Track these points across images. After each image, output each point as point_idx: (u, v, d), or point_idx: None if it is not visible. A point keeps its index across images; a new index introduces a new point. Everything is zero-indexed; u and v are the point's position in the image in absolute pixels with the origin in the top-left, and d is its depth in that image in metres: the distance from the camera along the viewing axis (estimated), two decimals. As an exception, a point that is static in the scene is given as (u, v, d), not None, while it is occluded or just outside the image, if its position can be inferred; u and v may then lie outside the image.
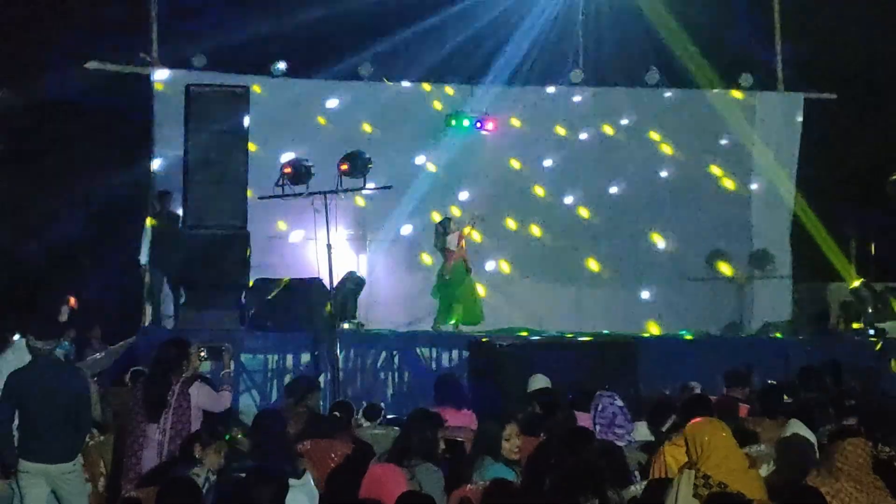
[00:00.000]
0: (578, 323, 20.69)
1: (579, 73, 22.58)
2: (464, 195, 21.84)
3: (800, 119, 22.93)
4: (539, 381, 12.29)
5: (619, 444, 10.28)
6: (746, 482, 7.89)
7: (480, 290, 19.80)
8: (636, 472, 9.82)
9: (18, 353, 10.93)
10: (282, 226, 20.49)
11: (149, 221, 18.47)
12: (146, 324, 18.66)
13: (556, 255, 22.13)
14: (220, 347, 11.16)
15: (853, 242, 23.66)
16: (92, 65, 20.40)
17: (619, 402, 11.03)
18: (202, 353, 10.72)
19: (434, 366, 16.84)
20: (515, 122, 22.30)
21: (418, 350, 16.96)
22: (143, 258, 18.46)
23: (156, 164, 20.40)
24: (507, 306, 21.27)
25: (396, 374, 16.80)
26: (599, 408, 10.97)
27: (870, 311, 20.73)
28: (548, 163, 22.43)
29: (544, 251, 22.09)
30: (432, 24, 21.38)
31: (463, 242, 19.22)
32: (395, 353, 16.87)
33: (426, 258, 20.92)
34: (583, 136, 22.59)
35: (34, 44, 21.76)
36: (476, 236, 20.10)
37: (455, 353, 16.86)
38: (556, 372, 12.95)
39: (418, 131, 21.87)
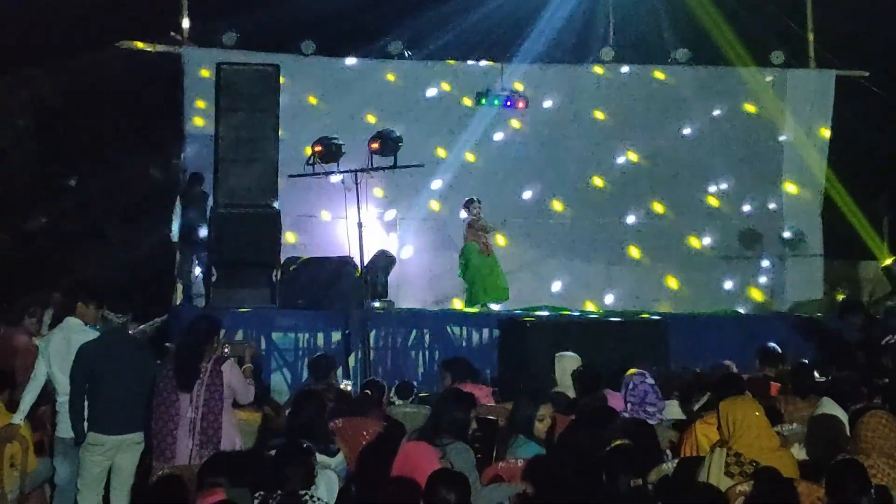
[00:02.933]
0: (608, 302, 20.67)
1: (610, 50, 22.49)
2: (494, 173, 21.79)
3: (831, 96, 22.77)
4: (570, 360, 12.28)
5: (651, 422, 10.30)
6: (778, 461, 7.90)
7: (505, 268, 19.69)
8: (668, 451, 9.84)
9: (64, 329, 11.01)
10: (313, 205, 20.44)
11: (178, 201, 18.54)
12: (178, 303, 18.74)
13: (586, 233, 22.06)
14: (242, 344, 11.34)
15: (885, 220, 23.52)
16: (123, 44, 20.44)
17: (651, 381, 11.03)
18: (226, 350, 10.78)
19: (464, 344, 16.84)
20: (546, 101, 22.22)
21: (449, 328, 16.94)
22: (175, 235, 18.54)
23: (187, 143, 20.39)
24: (536, 285, 21.25)
25: (427, 353, 16.77)
26: (630, 386, 10.98)
27: (903, 288, 20.65)
28: (578, 141, 22.35)
29: (573, 229, 22.02)
30: (463, 2, 21.34)
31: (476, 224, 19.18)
32: (425, 331, 16.84)
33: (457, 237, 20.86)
34: (612, 113, 22.50)
35: (65, 24, 21.83)
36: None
37: (486, 331, 16.85)
38: (587, 350, 12.96)
39: (449, 109, 21.82)
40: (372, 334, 16.14)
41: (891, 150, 22.96)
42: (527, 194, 21.84)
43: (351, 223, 16.63)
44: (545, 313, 18.22)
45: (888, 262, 21.18)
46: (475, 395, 10.67)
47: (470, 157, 21.60)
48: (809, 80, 22.92)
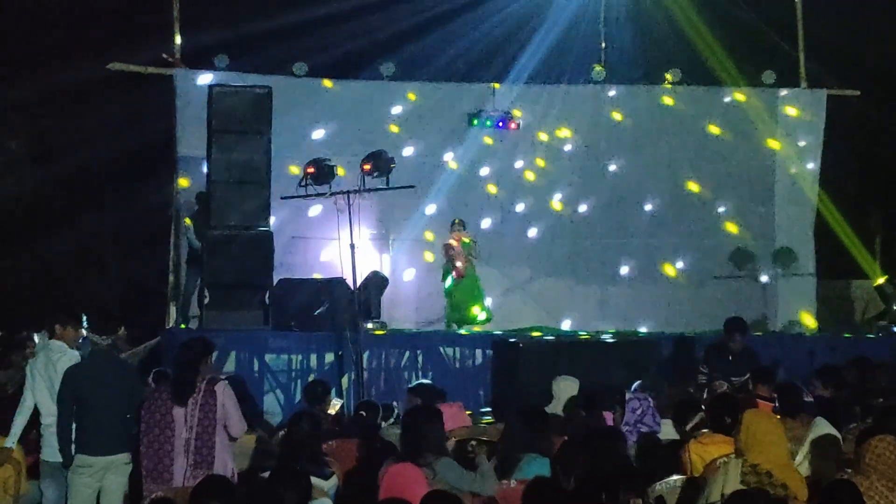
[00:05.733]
0: (600, 322, 20.66)
1: (601, 70, 22.53)
2: (486, 194, 21.85)
3: (823, 116, 22.80)
4: (568, 383, 12.24)
5: (646, 442, 10.28)
6: (790, 477, 8.01)
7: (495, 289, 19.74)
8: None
9: (47, 352, 10.98)
10: (305, 226, 20.43)
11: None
12: (170, 325, 18.69)
13: (577, 253, 22.11)
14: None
15: (878, 239, 23.56)
16: (114, 66, 20.42)
17: (649, 401, 11.02)
18: None
19: (457, 365, 16.85)
20: (538, 121, 22.25)
21: (442, 349, 16.95)
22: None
23: (179, 165, 20.36)
24: (528, 305, 21.28)
25: (420, 374, 16.77)
26: (630, 406, 10.95)
27: (894, 307, 20.66)
28: (570, 160, 22.39)
29: (565, 250, 22.07)
30: (454, 24, 21.39)
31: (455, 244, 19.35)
32: (418, 352, 16.85)
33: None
34: (604, 134, 22.53)
35: (57, 45, 21.84)
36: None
37: (479, 352, 16.87)
38: (581, 371, 12.95)
39: (441, 131, 21.83)
40: (365, 355, 16.11)
41: (882, 168, 23.03)
42: (517, 215, 21.88)
43: (343, 244, 16.61)
44: (538, 334, 18.21)
45: (880, 280, 21.21)
46: (453, 412, 10.78)
47: (462, 177, 21.60)
48: (801, 98, 22.97)
